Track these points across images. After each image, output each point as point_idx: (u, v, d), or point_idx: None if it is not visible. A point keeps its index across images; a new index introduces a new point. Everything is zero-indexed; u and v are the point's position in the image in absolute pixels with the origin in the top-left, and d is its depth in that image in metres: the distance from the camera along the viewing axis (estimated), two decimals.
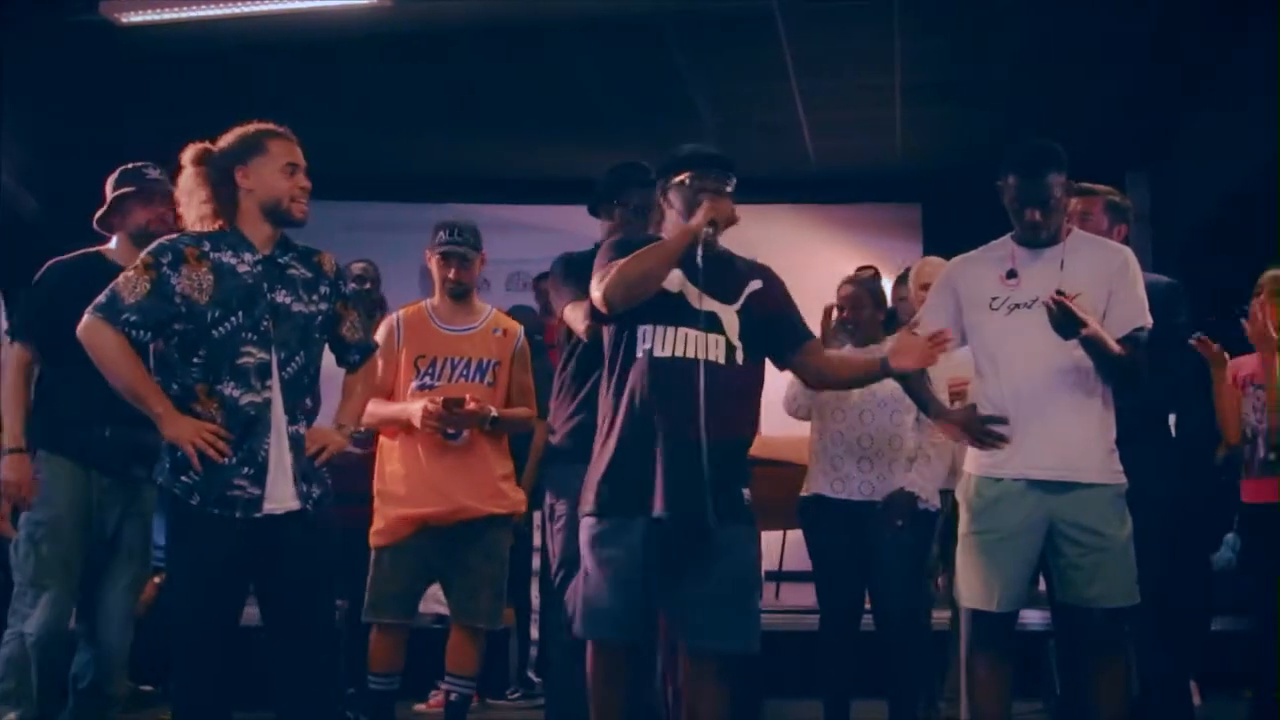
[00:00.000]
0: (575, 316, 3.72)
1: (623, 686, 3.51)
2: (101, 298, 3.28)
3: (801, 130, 7.87)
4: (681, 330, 3.42)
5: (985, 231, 3.76)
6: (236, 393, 3.27)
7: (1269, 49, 5.78)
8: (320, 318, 3.44)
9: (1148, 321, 3.57)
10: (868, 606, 4.62)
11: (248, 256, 3.34)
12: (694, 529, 3.35)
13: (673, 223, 3.54)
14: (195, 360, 3.28)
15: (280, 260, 3.39)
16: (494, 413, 4.25)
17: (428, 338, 4.36)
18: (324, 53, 6.68)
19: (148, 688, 5.46)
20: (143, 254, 3.33)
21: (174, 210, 3.58)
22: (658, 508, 3.34)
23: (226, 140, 3.39)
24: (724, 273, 3.53)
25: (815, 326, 4.47)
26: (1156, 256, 7.66)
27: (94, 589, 3.88)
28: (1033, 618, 4.54)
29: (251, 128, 3.40)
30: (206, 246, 3.33)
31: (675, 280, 3.45)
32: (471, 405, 4.18)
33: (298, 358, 3.36)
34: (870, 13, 6.37)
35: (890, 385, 4.43)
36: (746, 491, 3.47)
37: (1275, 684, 3.98)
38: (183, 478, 3.27)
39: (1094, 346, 3.43)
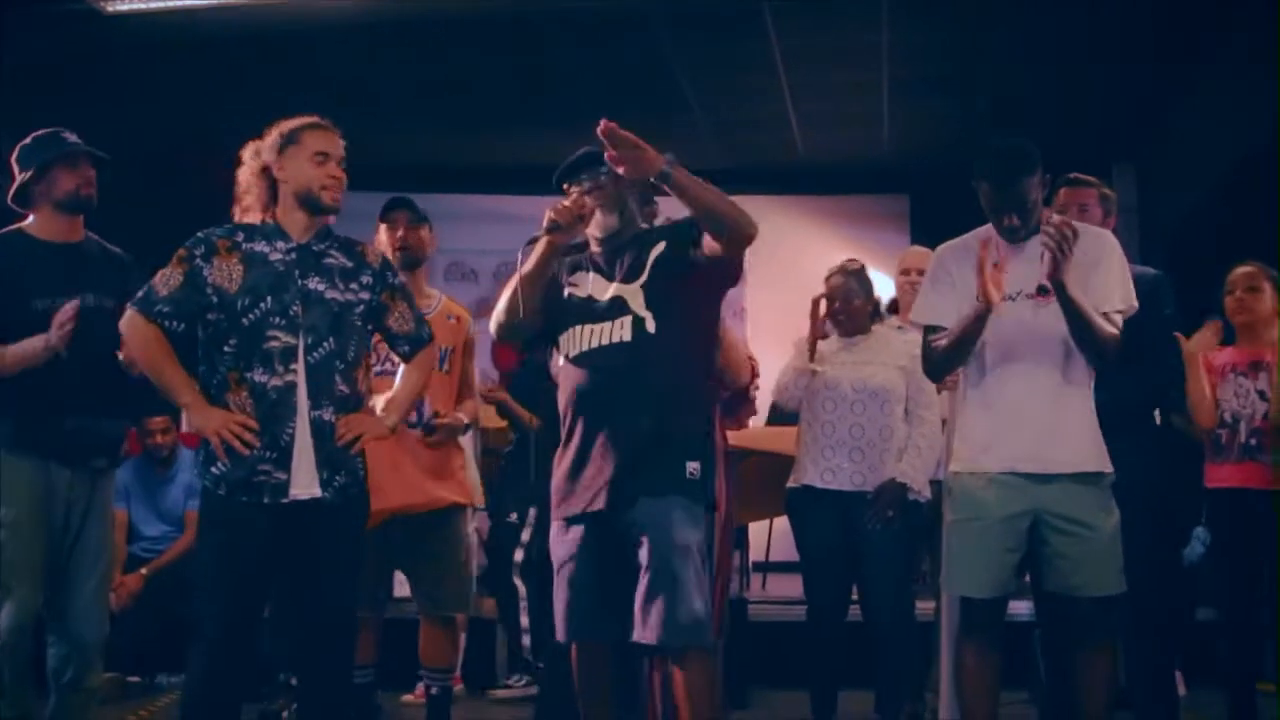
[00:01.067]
0: None
1: (606, 683, 3.53)
2: (140, 292, 3.41)
3: (789, 122, 7.88)
4: (587, 327, 3.48)
5: (973, 223, 3.75)
6: (263, 377, 3.36)
7: (1255, 42, 5.80)
8: (361, 306, 3.52)
9: (1126, 306, 3.55)
10: (855, 598, 4.64)
11: (280, 245, 3.47)
12: (620, 521, 3.36)
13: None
14: (228, 349, 3.39)
15: (316, 248, 3.50)
16: (465, 421, 4.29)
17: None
18: (309, 41, 6.67)
19: (134, 679, 5.46)
20: (179, 248, 3.44)
21: (96, 173, 3.75)
22: (598, 503, 3.38)
23: (270, 134, 3.51)
24: (633, 251, 3.54)
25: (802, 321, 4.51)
26: (1143, 249, 7.68)
27: (63, 585, 3.79)
28: (1019, 609, 4.56)
29: (291, 122, 3.52)
30: (240, 237, 3.46)
31: (585, 284, 3.54)
32: (444, 420, 4.19)
33: (326, 343, 3.42)
34: (858, 6, 6.37)
35: (883, 376, 4.45)
36: (692, 465, 3.39)
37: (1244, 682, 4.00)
38: (211, 469, 3.37)
39: (1069, 304, 3.41)
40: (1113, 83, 7.10)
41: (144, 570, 5.73)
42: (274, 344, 3.38)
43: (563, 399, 3.54)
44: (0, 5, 5.88)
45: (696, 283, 3.47)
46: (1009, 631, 3.63)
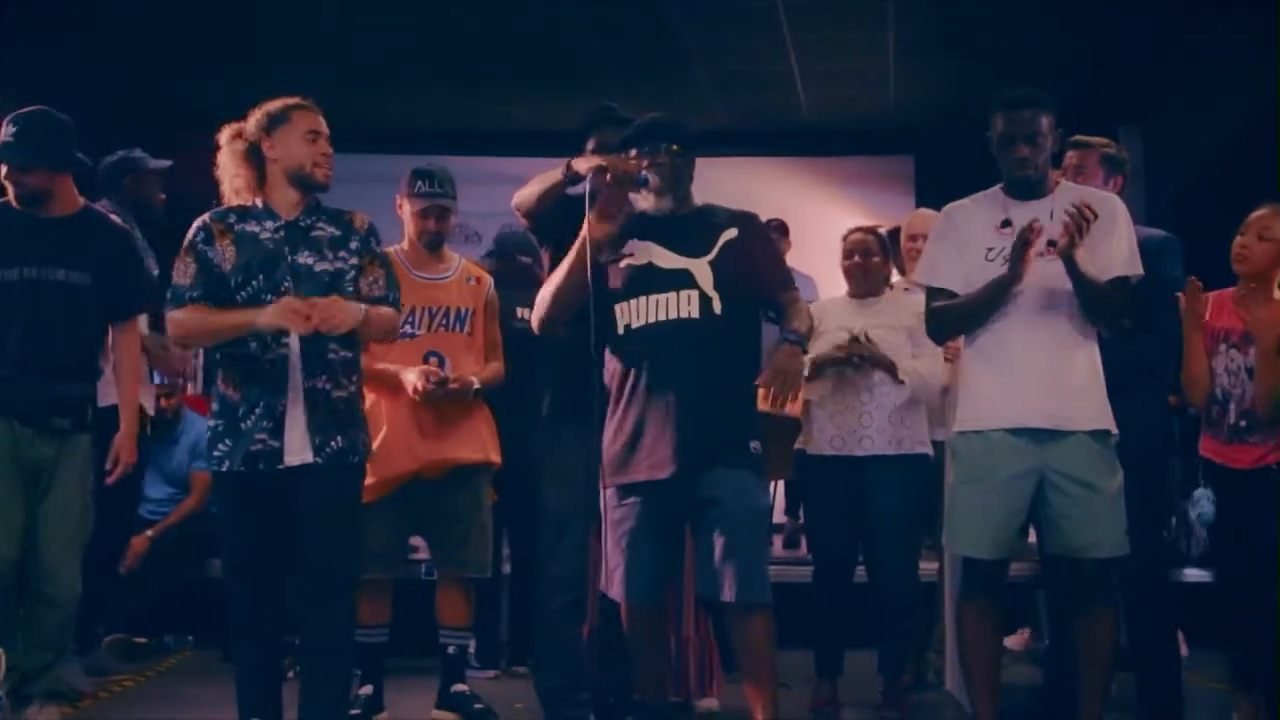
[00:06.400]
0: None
1: (663, 643, 3.77)
2: (167, 294, 3.57)
3: (794, 83, 7.83)
4: (652, 298, 3.55)
5: (977, 184, 3.75)
6: (256, 351, 3.48)
7: (1259, 2, 5.75)
8: (351, 273, 3.61)
9: (1132, 272, 3.56)
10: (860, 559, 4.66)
11: (269, 224, 3.57)
12: (696, 486, 3.47)
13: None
14: None
15: (303, 224, 3.59)
16: (475, 384, 4.27)
17: (403, 286, 4.32)
18: (309, 2, 6.62)
19: (140, 640, 5.48)
20: (182, 241, 3.58)
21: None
22: (663, 471, 3.47)
23: (255, 116, 3.59)
24: (696, 227, 3.62)
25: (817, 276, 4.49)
26: (1149, 210, 7.64)
27: (31, 543, 3.94)
28: (1021, 569, 4.57)
29: (277, 102, 3.60)
30: (232, 219, 3.58)
31: (642, 253, 3.58)
32: (454, 385, 4.20)
33: None
34: None
35: (890, 340, 4.48)
36: (754, 443, 3.54)
37: (1247, 643, 3.99)
38: (214, 452, 3.53)
39: (1078, 275, 3.43)
40: (1119, 43, 7.05)
41: (150, 532, 5.75)
42: None
43: (619, 368, 3.60)
44: None
45: (755, 274, 3.63)
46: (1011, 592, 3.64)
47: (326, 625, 3.56)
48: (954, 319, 3.67)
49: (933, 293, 3.70)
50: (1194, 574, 5.78)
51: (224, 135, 3.62)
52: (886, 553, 4.51)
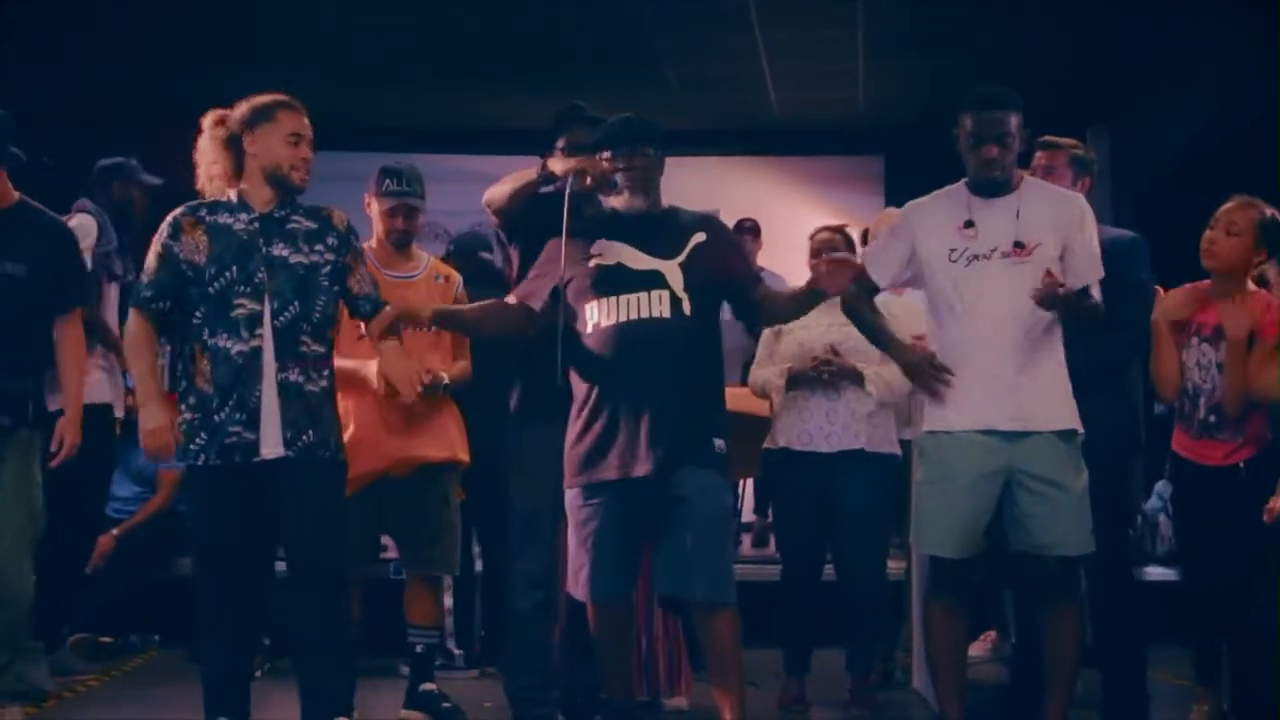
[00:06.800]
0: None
1: (628, 641, 3.77)
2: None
3: (764, 82, 7.83)
4: (623, 297, 3.56)
5: (947, 184, 3.75)
6: (228, 344, 3.48)
7: (1226, 3, 5.79)
8: (327, 267, 3.62)
9: (1101, 274, 3.60)
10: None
11: (244, 216, 3.57)
12: (662, 485, 3.47)
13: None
14: (196, 319, 3.53)
15: (278, 216, 3.59)
16: (445, 379, 4.24)
17: None
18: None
19: (106, 639, 5.44)
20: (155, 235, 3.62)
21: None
22: (636, 470, 3.48)
23: (240, 107, 3.60)
24: (664, 229, 3.64)
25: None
26: (1116, 211, 7.69)
27: None
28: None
29: (264, 97, 3.61)
30: (203, 213, 3.60)
31: (611, 253, 3.59)
32: (426, 379, 4.17)
33: (292, 307, 3.54)
34: None
35: (857, 338, 4.46)
36: (719, 442, 3.55)
37: (1209, 640, 4.01)
38: (190, 446, 3.53)
39: (1069, 311, 3.51)
40: (1087, 44, 7.08)
41: (116, 531, 5.70)
42: (240, 311, 3.50)
43: (588, 368, 3.60)
44: None
45: (721, 284, 3.68)
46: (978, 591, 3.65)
47: (320, 625, 3.56)
48: (852, 318, 3.81)
49: (863, 280, 3.73)
50: (1158, 572, 5.83)
51: (207, 120, 3.64)
52: (854, 550, 4.53)
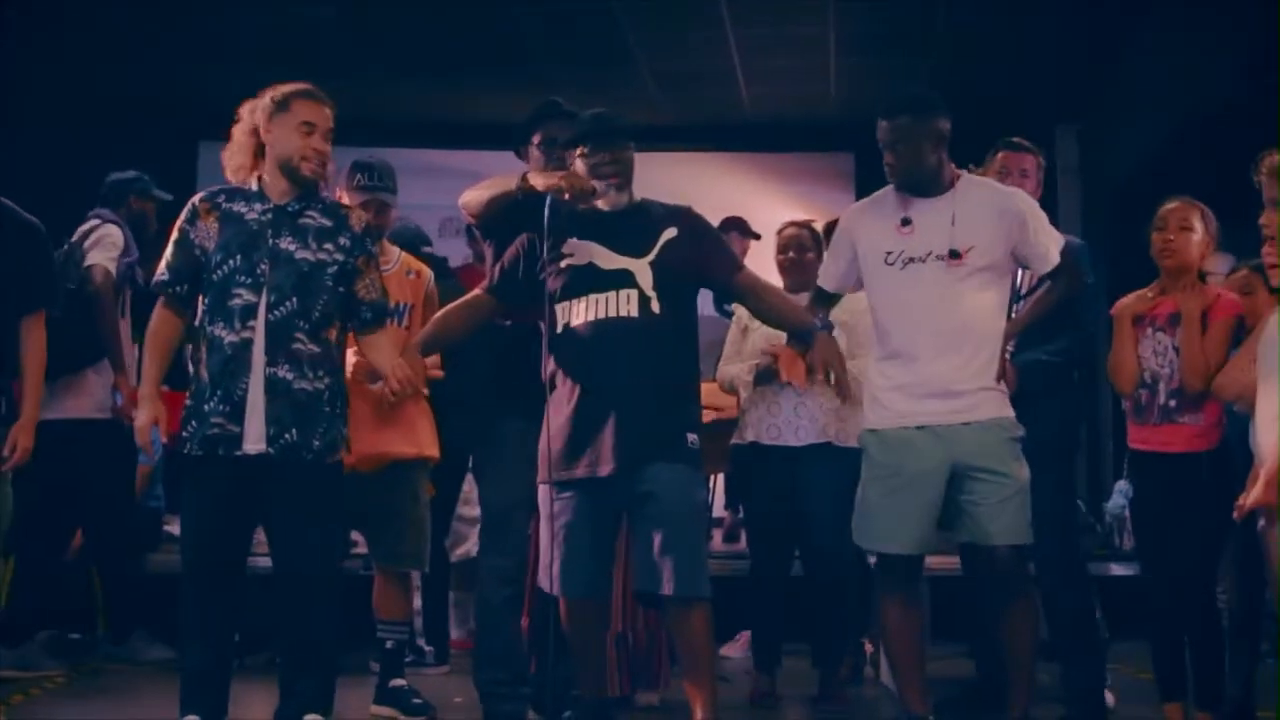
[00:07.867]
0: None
1: (599, 636, 3.77)
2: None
3: (736, 78, 7.85)
4: (592, 297, 3.57)
5: None
6: (223, 333, 3.46)
7: (1194, 2, 5.84)
8: (335, 267, 3.58)
9: (1060, 244, 3.72)
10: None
11: (259, 206, 3.55)
12: (635, 481, 3.48)
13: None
14: (202, 305, 3.53)
15: (292, 209, 3.56)
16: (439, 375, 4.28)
17: None
18: None
19: (74, 635, 5.41)
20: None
21: None
22: (604, 469, 3.49)
23: (263, 97, 3.58)
24: (634, 227, 3.64)
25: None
26: (1085, 211, 7.74)
27: None
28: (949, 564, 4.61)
29: (286, 87, 3.60)
30: (221, 199, 3.58)
31: (582, 253, 3.59)
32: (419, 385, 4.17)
33: (289, 302, 3.49)
34: None
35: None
36: (692, 436, 3.57)
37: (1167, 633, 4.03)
38: (183, 433, 3.52)
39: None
40: (1056, 44, 7.12)
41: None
42: (237, 300, 3.48)
43: (558, 366, 3.61)
44: None
45: (695, 277, 3.69)
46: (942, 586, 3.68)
47: (300, 625, 3.53)
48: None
49: (817, 289, 3.98)
50: (1125, 569, 5.85)
51: (244, 108, 3.62)
52: (821, 542, 4.53)
